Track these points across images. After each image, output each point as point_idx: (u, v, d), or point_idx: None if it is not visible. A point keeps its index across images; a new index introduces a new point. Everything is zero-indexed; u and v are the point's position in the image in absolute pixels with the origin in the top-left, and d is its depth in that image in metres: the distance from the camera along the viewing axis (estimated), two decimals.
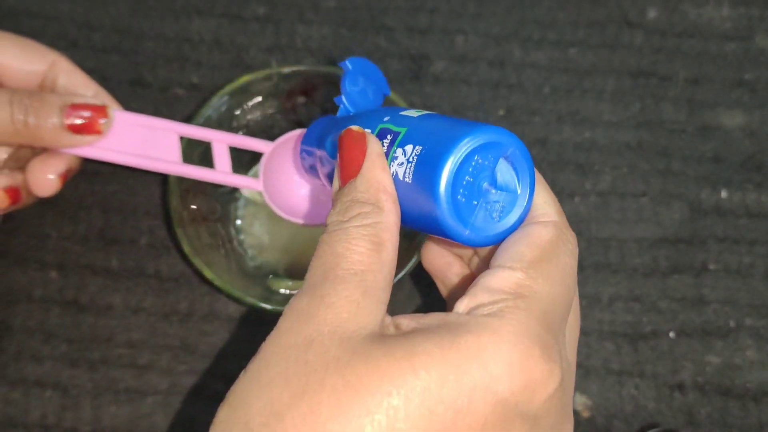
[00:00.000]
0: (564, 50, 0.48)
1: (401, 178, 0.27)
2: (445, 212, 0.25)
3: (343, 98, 0.32)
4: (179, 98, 0.46)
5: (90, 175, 0.44)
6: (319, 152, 0.33)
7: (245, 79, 0.40)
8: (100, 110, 0.36)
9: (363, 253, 0.25)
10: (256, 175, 0.38)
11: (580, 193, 0.45)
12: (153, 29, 0.47)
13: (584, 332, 0.42)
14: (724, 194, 0.45)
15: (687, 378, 0.41)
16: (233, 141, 0.38)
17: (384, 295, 0.25)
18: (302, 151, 0.35)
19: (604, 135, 0.46)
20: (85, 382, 0.40)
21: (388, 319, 0.25)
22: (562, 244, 0.26)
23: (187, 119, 0.42)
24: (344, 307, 0.24)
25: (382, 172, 0.27)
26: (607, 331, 0.42)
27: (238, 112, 0.41)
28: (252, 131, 0.42)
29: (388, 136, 0.28)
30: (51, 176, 0.37)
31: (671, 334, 0.42)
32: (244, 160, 0.41)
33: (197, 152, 0.39)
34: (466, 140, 0.25)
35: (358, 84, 0.33)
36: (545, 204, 0.28)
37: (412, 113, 0.28)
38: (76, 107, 0.36)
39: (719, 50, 0.48)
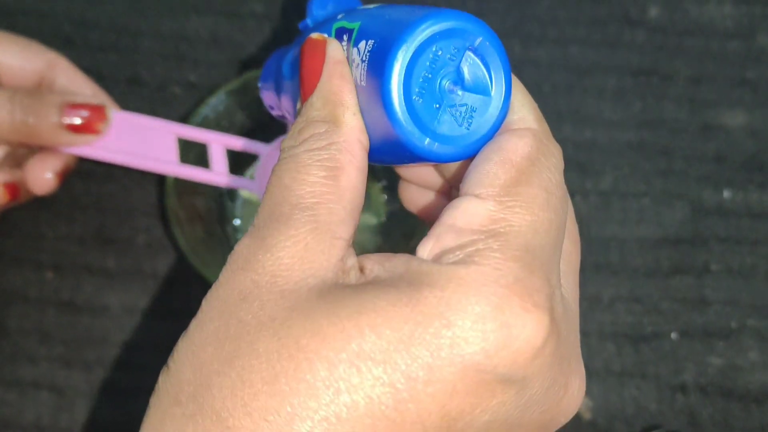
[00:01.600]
0: (564, 48, 0.47)
1: (359, 83, 0.22)
2: (397, 114, 0.21)
3: (308, 22, 0.27)
4: (176, 97, 0.46)
5: (85, 175, 0.44)
6: (278, 86, 0.28)
7: (243, 77, 0.40)
8: (99, 110, 0.37)
9: (314, 182, 0.21)
10: (252, 176, 0.38)
11: (580, 192, 0.44)
12: (150, 27, 0.47)
13: (585, 333, 0.42)
14: (726, 194, 0.45)
15: (689, 379, 0.41)
16: (230, 143, 0.38)
17: (343, 230, 0.21)
18: (262, 91, 0.30)
19: (605, 134, 0.46)
20: (81, 382, 0.40)
21: (352, 260, 0.21)
22: (542, 157, 0.22)
23: (184, 118, 0.42)
24: (287, 249, 0.20)
25: (341, 80, 0.22)
26: (608, 332, 0.42)
27: (235, 111, 0.41)
28: (249, 130, 0.42)
29: (345, 36, 0.23)
30: (48, 175, 0.37)
31: (673, 335, 0.42)
32: (242, 161, 0.41)
33: (193, 153, 0.39)
34: (421, 27, 0.21)
35: (326, 8, 0.28)
36: (522, 107, 0.23)
37: (371, 7, 0.24)
38: (74, 107, 0.36)
39: (721, 49, 0.48)
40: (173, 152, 0.38)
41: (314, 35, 0.24)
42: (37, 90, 0.37)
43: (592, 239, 0.43)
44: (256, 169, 0.38)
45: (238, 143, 0.38)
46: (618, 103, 0.46)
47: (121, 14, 0.47)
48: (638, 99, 0.47)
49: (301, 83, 0.23)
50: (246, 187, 0.38)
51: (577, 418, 0.40)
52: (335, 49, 0.23)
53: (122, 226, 0.43)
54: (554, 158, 0.22)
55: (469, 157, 0.22)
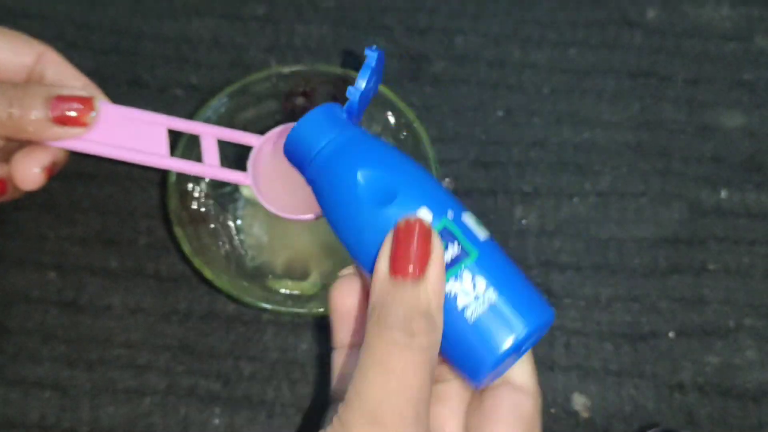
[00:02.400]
0: (563, 50, 0.48)
1: (459, 308, 0.27)
2: (486, 371, 0.27)
3: (357, 94, 0.30)
4: (178, 99, 0.46)
5: (86, 177, 0.44)
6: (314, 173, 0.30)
7: (244, 80, 0.40)
8: (87, 102, 0.35)
9: (424, 385, 0.24)
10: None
11: (579, 193, 0.45)
12: (152, 29, 0.47)
13: (583, 333, 0.42)
14: (723, 194, 0.45)
15: (686, 378, 0.41)
16: (222, 134, 0.37)
17: None
18: (288, 151, 0.31)
19: (604, 135, 0.46)
20: (84, 382, 0.40)
21: None
22: (539, 416, 0.28)
23: None
24: None
25: (443, 284, 0.26)
26: (606, 332, 0.42)
27: (237, 114, 0.41)
28: (251, 132, 0.42)
29: (455, 246, 0.27)
30: (36, 169, 0.36)
31: (671, 335, 0.42)
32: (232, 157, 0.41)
33: (195, 153, 0.39)
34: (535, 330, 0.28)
35: (371, 81, 0.31)
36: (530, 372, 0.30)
37: (473, 225, 0.28)
38: (61, 99, 0.35)
39: (719, 50, 0.48)
40: (164, 145, 0.37)
41: (418, 219, 0.26)
42: (25, 83, 0.36)
43: (590, 239, 0.44)
44: (248, 161, 0.37)
45: (230, 134, 0.37)
46: (616, 104, 0.47)
47: (122, 16, 0.47)
48: (636, 100, 0.47)
49: (394, 250, 0.26)
50: (238, 179, 0.37)
51: (576, 416, 0.41)
52: (442, 249, 0.26)
53: (124, 227, 0.43)
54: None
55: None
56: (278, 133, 0.37)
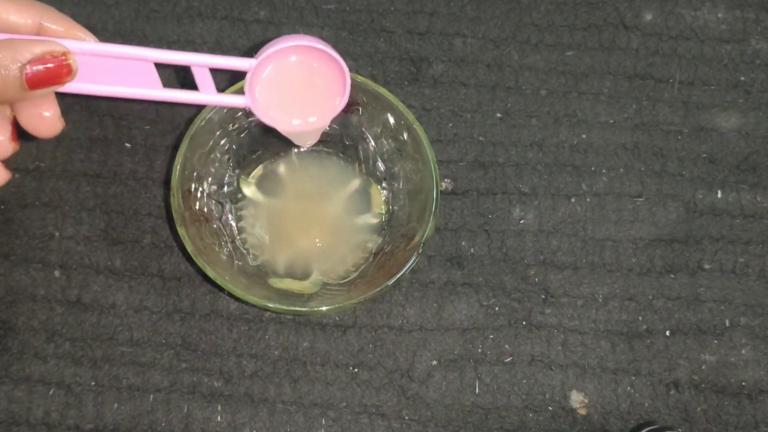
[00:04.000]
0: (561, 53, 0.48)
1: None
2: None
3: None
4: None
5: (91, 177, 0.44)
6: None
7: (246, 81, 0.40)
8: (63, 64, 0.33)
9: None
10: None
11: (576, 194, 0.45)
12: (155, 32, 0.48)
13: (580, 331, 0.42)
14: (719, 195, 0.45)
15: (682, 376, 0.42)
16: (213, 62, 0.36)
17: None
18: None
19: (601, 136, 0.46)
20: (88, 380, 0.41)
21: None
22: None
23: (189, 121, 0.43)
24: None
25: None
26: (602, 330, 0.42)
27: (239, 115, 0.41)
28: (253, 133, 0.42)
29: None
30: (47, 113, 0.35)
31: (667, 333, 0.42)
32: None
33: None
34: None
35: None
36: None
37: None
38: (34, 62, 0.32)
39: (715, 52, 0.48)
40: (155, 78, 0.35)
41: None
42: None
43: (587, 239, 0.44)
44: (245, 84, 0.37)
45: (221, 61, 0.36)
46: (613, 106, 0.47)
47: (126, 19, 0.48)
48: (633, 102, 0.47)
49: None
50: (236, 102, 0.37)
51: (573, 414, 0.41)
52: None
53: (128, 226, 0.44)
54: None
55: None
56: (272, 54, 0.37)
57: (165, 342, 0.41)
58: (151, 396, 0.40)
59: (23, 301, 0.42)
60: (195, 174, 0.40)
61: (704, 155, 0.46)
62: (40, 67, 0.32)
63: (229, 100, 0.37)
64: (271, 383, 0.41)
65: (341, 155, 0.44)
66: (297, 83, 0.38)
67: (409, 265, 0.38)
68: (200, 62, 0.35)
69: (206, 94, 0.37)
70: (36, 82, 0.32)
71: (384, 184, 0.43)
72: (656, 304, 0.43)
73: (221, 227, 0.42)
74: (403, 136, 0.41)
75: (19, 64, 0.31)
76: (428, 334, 0.42)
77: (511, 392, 0.41)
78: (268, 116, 0.38)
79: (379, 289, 0.37)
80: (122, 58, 0.35)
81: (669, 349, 0.42)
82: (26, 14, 0.36)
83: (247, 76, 0.37)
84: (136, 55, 0.35)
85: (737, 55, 0.48)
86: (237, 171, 0.43)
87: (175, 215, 0.39)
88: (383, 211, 0.43)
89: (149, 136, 0.45)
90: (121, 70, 0.35)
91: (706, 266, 0.44)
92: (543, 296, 0.43)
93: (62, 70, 0.32)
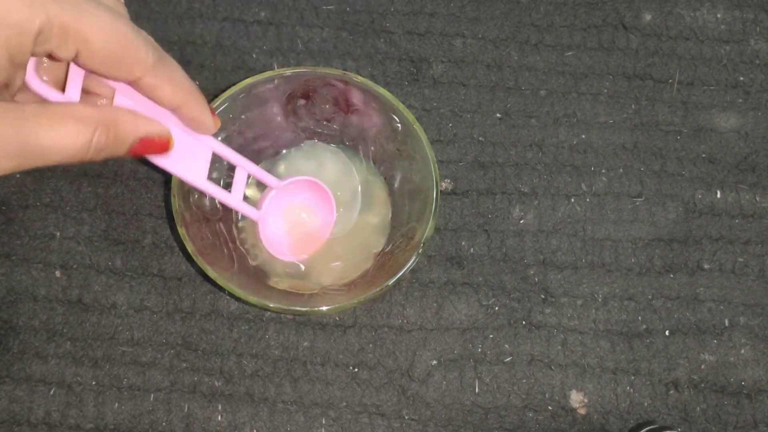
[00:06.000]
0: (560, 53, 0.48)
1: None
2: None
3: None
4: None
5: (92, 178, 0.44)
6: None
7: (247, 81, 0.41)
8: (164, 145, 0.35)
9: None
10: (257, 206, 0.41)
11: (576, 194, 0.45)
12: (156, 32, 0.48)
13: (580, 331, 0.42)
14: (718, 195, 0.45)
15: (682, 376, 0.42)
16: (253, 171, 0.39)
17: None
18: None
19: (600, 137, 0.46)
20: (89, 379, 0.41)
21: None
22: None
23: None
24: None
25: None
26: (602, 330, 0.42)
27: (238, 114, 0.41)
28: (253, 133, 0.42)
29: None
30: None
31: (666, 333, 0.43)
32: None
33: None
34: None
35: None
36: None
37: None
38: (146, 138, 0.34)
39: (714, 53, 0.48)
40: (205, 164, 0.37)
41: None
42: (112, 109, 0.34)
43: (587, 239, 0.44)
44: (266, 201, 0.40)
45: (259, 173, 0.39)
46: (613, 106, 0.47)
47: None
48: (632, 102, 0.47)
49: None
50: (251, 215, 0.39)
51: (572, 413, 0.41)
52: None
53: (129, 227, 0.44)
54: None
55: None
56: (294, 182, 0.41)
57: (165, 342, 0.42)
58: (152, 395, 0.41)
59: (24, 301, 0.42)
60: None
61: (703, 155, 0.46)
62: (147, 141, 0.35)
63: (248, 211, 0.39)
64: (271, 383, 0.41)
65: (341, 155, 0.44)
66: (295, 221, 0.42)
67: (409, 264, 0.38)
68: (245, 168, 0.39)
69: (234, 199, 0.39)
70: (136, 152, 0.35)
71: (384, 185, 0.43)
72: (656, 303, 0.43)
73: (221, 227, 0.42)
74: (403, 137, 0.41)
75: (134, 137, 0.34)
76: (428, 333, 0.42)
77: (511, 392, 0.41)
78: (266, 239, 0.41)
79: (379, 289, 0.37)
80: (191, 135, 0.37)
81: (668, 348, 0.42)
82: (173, 98, 0.36)
83: (269, 193, 0.40)
84: (228, 159, 0.38)
85: (736, 55, 0.49)
86: None
87: (175, 215, 0.39)
88: (384, 211, 0.43)
89: None
90: (183, 142, 0.37)
91: (706, 266, 0.44)
92: (543, 296, 0.43)
93: (161, 149, 0.35)
